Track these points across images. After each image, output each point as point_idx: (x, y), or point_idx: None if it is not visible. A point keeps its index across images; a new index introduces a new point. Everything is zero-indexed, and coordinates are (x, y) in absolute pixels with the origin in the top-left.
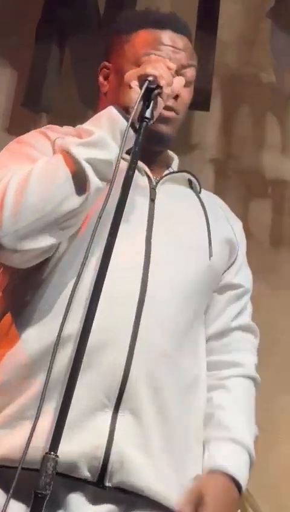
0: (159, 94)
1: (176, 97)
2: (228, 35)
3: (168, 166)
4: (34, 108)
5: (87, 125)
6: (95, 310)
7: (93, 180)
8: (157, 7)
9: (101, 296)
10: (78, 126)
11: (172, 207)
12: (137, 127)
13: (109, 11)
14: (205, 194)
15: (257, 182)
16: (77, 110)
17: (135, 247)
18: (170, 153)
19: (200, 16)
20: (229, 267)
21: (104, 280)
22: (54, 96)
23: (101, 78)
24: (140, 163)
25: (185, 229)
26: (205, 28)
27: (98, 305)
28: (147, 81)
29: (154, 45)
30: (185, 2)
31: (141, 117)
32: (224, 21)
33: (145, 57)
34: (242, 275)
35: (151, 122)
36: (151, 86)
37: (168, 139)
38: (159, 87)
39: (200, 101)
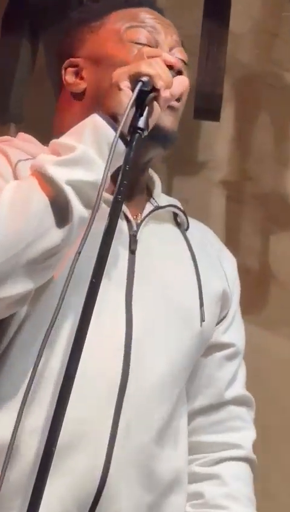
0: (156, 98)
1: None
2: (243, 26)
3: (149, 193)
4: (1, 118)
5: (65, 139)
6: (68, 399)
7: (77, 208)
8: None
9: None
10: (54, 140)
11: (156, 260)
12: (128, 139)
13: None
14: (194, 229)
15: (279, 209)
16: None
17: (113, 317)
18: (153, 174)
19: (208, 1)
20: (218, 323)
21: (78, 362)
22: (24, 103)
23: (69, 78)
24: (107, 195)
25: (171, 290)
26: (214, 16)
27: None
28: (140, 82)
29: (135, 18)
30: None
31: (133, 127)
32: (238, 8)
33: (129, 29)
34: (233, 331)
35: (145, 133)
36: (146, 89)
37: (173, 137)
38: (155, 89)
39: (209, 108)
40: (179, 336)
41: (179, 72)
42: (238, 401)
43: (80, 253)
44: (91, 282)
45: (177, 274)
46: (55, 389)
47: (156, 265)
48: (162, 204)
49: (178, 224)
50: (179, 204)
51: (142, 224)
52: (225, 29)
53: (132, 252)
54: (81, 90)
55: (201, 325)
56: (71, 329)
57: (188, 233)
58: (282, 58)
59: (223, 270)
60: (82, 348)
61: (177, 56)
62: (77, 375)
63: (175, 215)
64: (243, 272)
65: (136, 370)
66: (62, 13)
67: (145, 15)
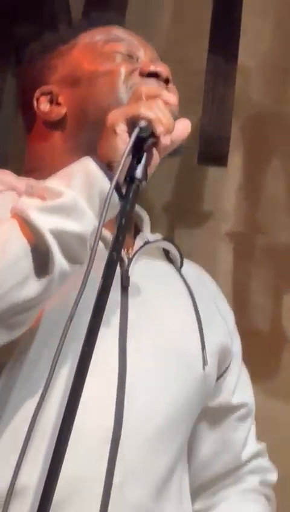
0: (155, 145)
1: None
2: (253, 60)
3: (136, 228)
4: None
5: (53, 182)
6: (63, 455)
7: (59, 261)
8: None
9: None
10: (38, 182)
11: (151, 297)
12: (123, 190)
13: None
14: (188, 268)
15: None
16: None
17: (105, 362)
18: (138, 209)
19: (214, 33)
20: (220, 376)
21: (75, 415)
22: (9, 148)
23: (44, 107)
24: (106, 232)
25: (169, 330)
26: (220, 49)
27: None
28: (138, 128)
29: (109, 34)
30: (193, 14)
31: (130, 177)
32: (247, 40)
33: (107, 43)
34: (242, 389)
35: (144, 184)
36: (144, 135)
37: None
38: (154, 135)
39: (215, 153)
40: (179, 383)
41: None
42: (253, 456)
43: (72, 319)
44: (83, 350)
45: (175, 313)
46: (50, 444)
47: (151, 303)
48: (152, 239)
49: (171, 262)
50: (171, 240)
51: (134, 259)
52: (233, 63)
53: (124, 288)
54: (61, 116)
55: (204, 369)
56: (67, 379)
57: (182, 270)
58: None
59: (220, 315)
60: (77, 408)
61: (159, 67)
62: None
63: (167, 252)
64: (253, 335)
65: (130, 423)
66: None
67: (118, 31)
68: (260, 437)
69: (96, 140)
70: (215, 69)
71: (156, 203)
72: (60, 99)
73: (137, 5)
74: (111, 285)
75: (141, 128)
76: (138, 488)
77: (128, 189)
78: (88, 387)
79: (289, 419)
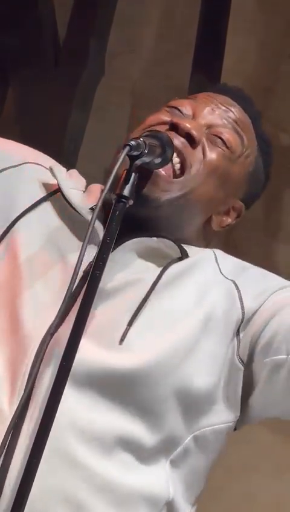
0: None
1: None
2: (236, 78)
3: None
4: None
5: None
6: None
7: None
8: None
9: None
10: None
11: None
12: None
13: (71, 38)
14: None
15: None
16: None
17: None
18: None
19: (198, 52)
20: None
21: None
22: None
23: None
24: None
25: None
26: (204, 67)
27: None
28: (127, 147)
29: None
30: (178, 32)
31: (118, 195)
32: (231, 60)
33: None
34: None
35: (130, 202)
36: (134, 154)
37: (158, 205)
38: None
39: None
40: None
41: (191, 141)
42: None
43: (52, 334)
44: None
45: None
46: None
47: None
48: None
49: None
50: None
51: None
52: (216, 82)
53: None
54: None
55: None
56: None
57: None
58: (278, 117)
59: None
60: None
61: (184, 123)
62: None
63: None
64: None
65: None
66: (36, 56)
67: (209, 95)
68: None
69: None
70: (197, 84)
71: None
72: None
73: (123, 20)
74: (92, 302)
75: (130, 146)
76: None
77: (115, 208)
78: None
79: None
